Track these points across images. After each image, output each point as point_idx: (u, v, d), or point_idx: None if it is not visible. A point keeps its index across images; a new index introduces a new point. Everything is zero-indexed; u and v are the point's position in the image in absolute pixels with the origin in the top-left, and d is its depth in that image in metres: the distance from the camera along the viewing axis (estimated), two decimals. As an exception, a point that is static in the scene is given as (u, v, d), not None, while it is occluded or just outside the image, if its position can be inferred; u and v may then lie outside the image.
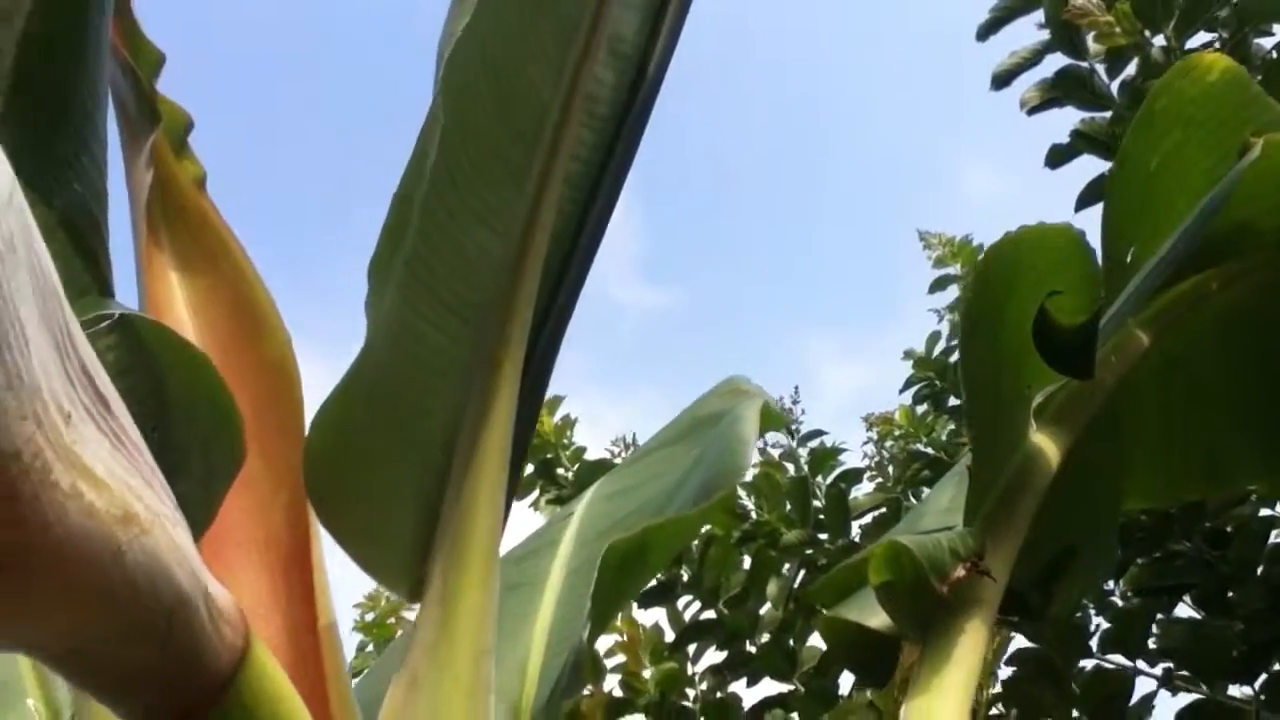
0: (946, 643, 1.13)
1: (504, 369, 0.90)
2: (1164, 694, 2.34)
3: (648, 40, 1.04)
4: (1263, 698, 2.24)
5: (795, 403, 2.98)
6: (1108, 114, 2.15)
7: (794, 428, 2.80)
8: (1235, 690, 2.34)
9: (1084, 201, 2.19)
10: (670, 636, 2.78)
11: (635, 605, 2.71)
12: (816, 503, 2.63)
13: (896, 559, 1.11)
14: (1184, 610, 2.47)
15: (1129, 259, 1.33)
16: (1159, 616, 2.43)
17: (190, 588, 0.62)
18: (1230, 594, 2.34)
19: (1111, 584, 2.51)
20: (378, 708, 0.91)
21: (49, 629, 0.57)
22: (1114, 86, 2.14)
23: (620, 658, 2.61)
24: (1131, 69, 2.12)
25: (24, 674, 1.44)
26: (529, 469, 2.89)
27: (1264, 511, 2.36)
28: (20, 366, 0.50)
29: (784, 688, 2.69)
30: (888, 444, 3.01)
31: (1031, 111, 2.16)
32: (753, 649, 2.75)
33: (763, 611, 2.75)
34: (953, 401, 2.97)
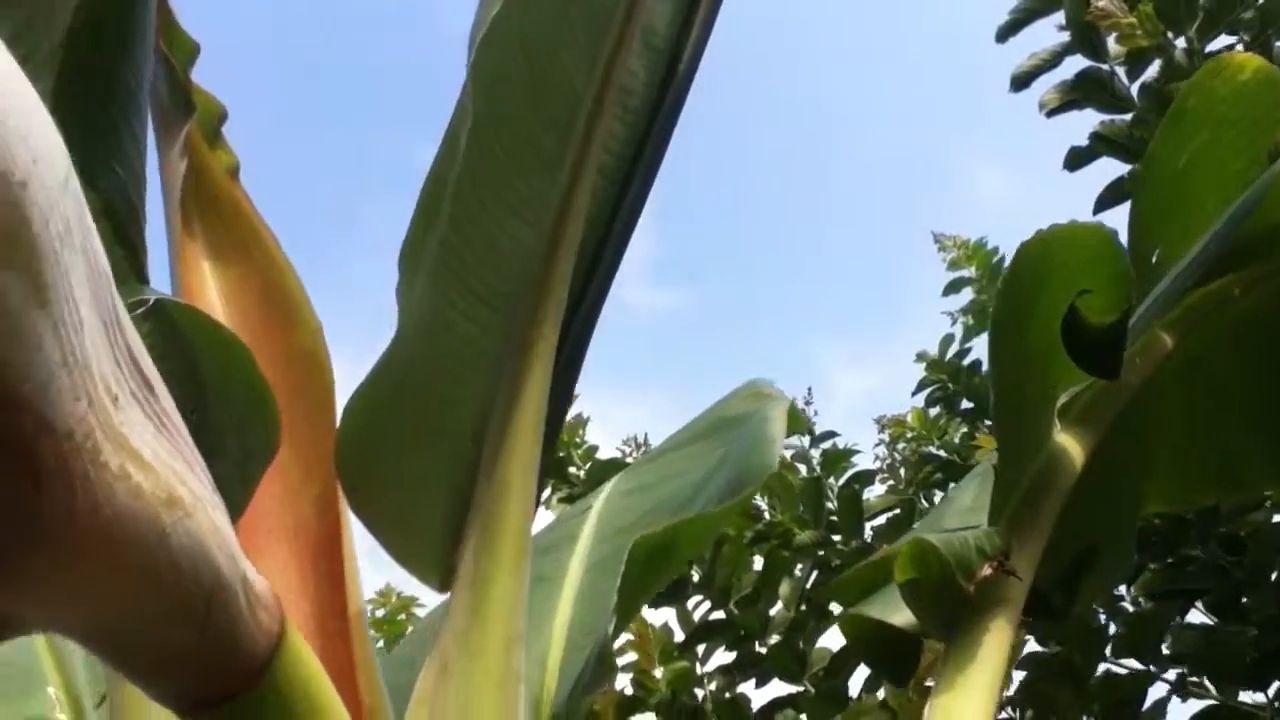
0: (971, 642, 1.12)
1: (535, 360, 0.90)
2: (1176, 699, 2.33)
3: (680, 33, 1.04)
4: (1276, 705, 2.23)
5: (808, 404, 2.98)
6: (1127, 116, 2.15)
7: (809, 429, 2.80)
8: (1247, 696, 2.34)
9: (1103, 204, 2.19)
10: (679, 636, 2.79)
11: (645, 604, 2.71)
12: (829, 504, 2.63)
13: (922, 557, 1.10)
14: (1196, 616, 2.47)
15: (1155, 259, 1.32)
16: (1172, 622, 2.43)
17: (230, 572, 0.62)
18: (1244, 600, 2.33)
19: (1123, 588, 2.50)
20: (400, 693, 0.91)
21: (92, 610, 0.57)
22: (1134, 89, 2.14)
23: (631, 656, 2.61)
24: (1151, 71, 2.12)
25: (44, 661, 1.44)
26: (540, 467, 2.89)
27: (1278, 517, 2.35)
28: (75, 346, 0.50)
29: (794, 688, 2.69)
30: (899, 446, 3.01)
31: (1051, 113, 2.16)
32: (762, 650, 2.75)
33: (773, 612, 2.75)
34: (965, 404, 2.97)
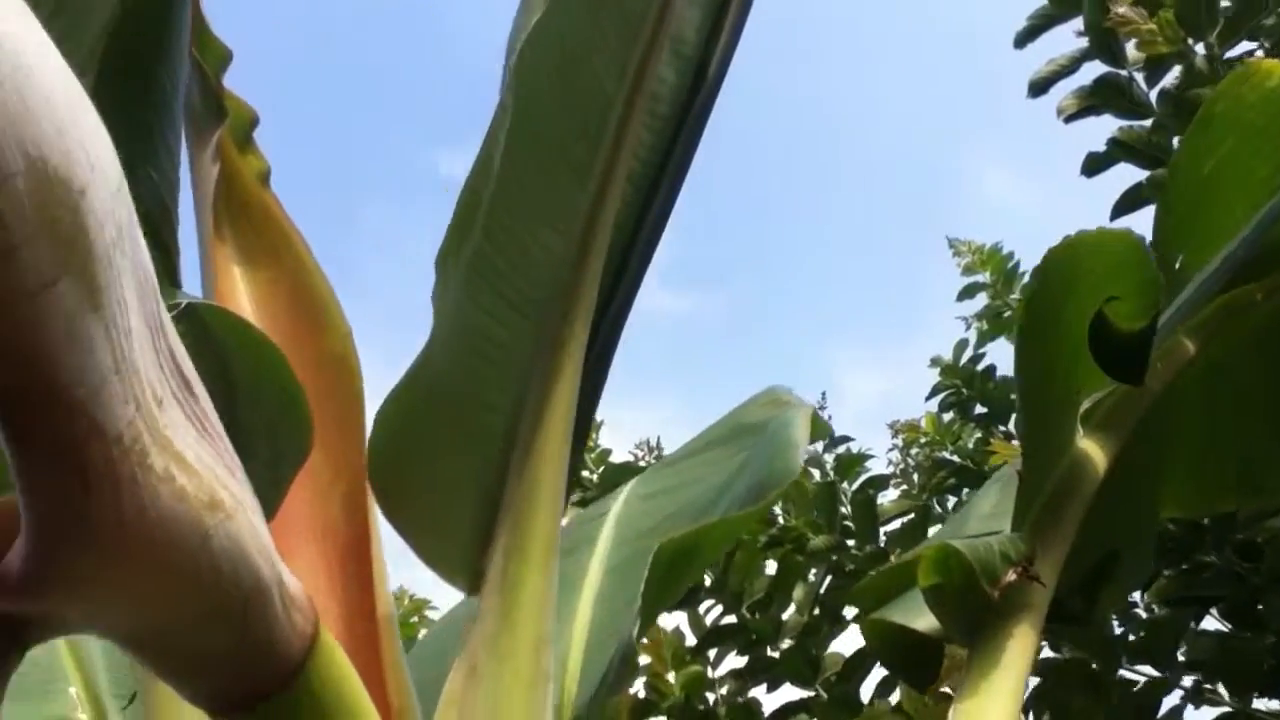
0: (995, 647, 1.12)
1: (565, 365, 0.91)
2: (1191, 706, 2.33)
3: (708, 40, 1.04)
4: (1293, 712, 2.22)
5: (822, 409, 2.98)
6: (1146, 122, 2.15)
7: (829, 435, 2.79)
8: (1263, 704, 2.33)
9: (1120, 209, 2.19)
10: (690, 640, 2.79)
11: (657, 608, 2.71)
12: (843, 509, 2.63)
13: (946, 562, 1.10)
14: (1211, 623, 2.46)
15: (1178, 265, 1.32)
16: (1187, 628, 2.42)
17: (267, 575, 0.62)
18: (1260, 606, 2.33)
19: (1136, 594, 2.50)
20: (425, 692, 0.92)
21: (133, 612, 0.58)
22: (1153, 95, 2.13)
23: (644, 659, 2.61)
24: (1170, 77, 2.11)
25: (65, 661, 1.45)
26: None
27: (1296, 524, 2.34)
28: (125, 350, 0.50)
29: (806, 693, 2.69)
30: (913, 451, 3.00)
31: (1069, 119, 2.16)
32: (774, 654, 2.75)
33: (785, 616, 2.75)
34: (979, 410, 2.96)
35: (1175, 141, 2.12)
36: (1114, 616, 2.42)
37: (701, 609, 2.79)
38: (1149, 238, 1.31)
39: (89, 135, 0.46)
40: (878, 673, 2.62)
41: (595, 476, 2.98)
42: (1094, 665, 2.07)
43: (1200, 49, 1.96)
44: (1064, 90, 2.26)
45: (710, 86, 1.03)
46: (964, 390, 2.91)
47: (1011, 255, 2.86)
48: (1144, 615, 2.58)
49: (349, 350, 0.98)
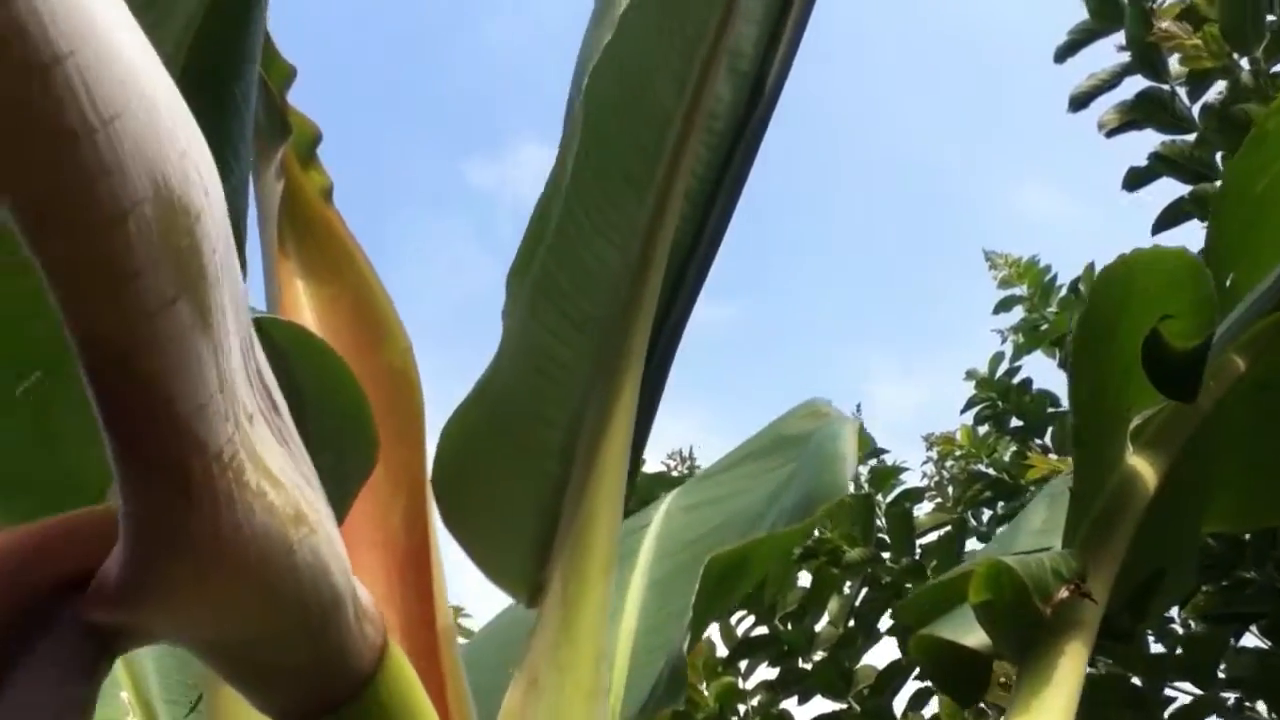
0: (1046, 665, 1.12)
1: (624, 380, 0.92)
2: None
3: (764, 57, 1.05)
4: (1335, 731, 2.20)
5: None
6: (1188, 137, 2.13)
7: (872, 449, 2.79)
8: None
9: (1161, 224, 2.17)
10: (720, 651, 2.78)
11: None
12: (877, 521, 2.63)
13: (998, 578, 1.10)
14: (1250, 640, 2.43)
15: (1229, 283, 1.32)
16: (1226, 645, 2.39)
17: (343, 587, 0.63)
18: (1302, 624, 2.30)
19: (1173, 610, 2.47)
20: (478, 701, 0.93)
21: (217, 624, 0.59)
22: (1195, 110, 2.12)
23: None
24: (1213, 93, 2.10)
25: (117, 668, 1.47)
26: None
27: (1339, 541, 2.31)
28: (227, 369, 0.52)
29: (838, 706, 2.68)
30: (948, 464, 2.99)
31: (1110, 133, 2.15)
32: (806, 666, 2.74)
33: (818, 628, 2.75)
34: (1015, 423, 2.95)
35: (1218, 157, 2.11)
36: (1149, 632, 2.40)
37: (733, 620, 2.79)
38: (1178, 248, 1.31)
39: (200, 157, 0.47)
40: (911, 686, 2.61)
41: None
42: (1135, 681, 2.06)
43: (1245, 64, 1.95)
44: (1104, 105, 2.25)
45: (766, 102, 1.04)
46: (1000, 403, 2.90)
47: (1049, 269, 2.85)
48: (1180, 631, 2.56)
49: (409, 364, 0.99)
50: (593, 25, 0.93)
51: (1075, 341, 1.15)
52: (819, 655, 2.73)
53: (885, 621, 2.62)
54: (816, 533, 2.55)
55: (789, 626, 2.73)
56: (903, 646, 2.44)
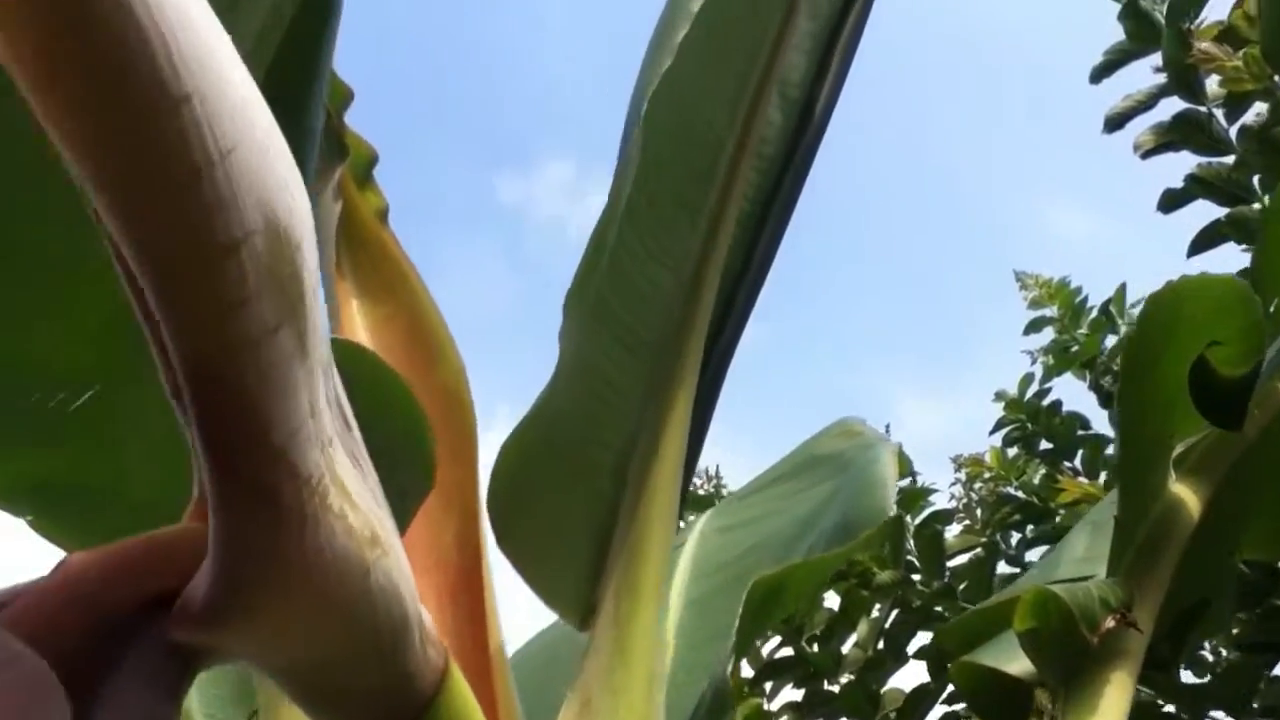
0: (1091, 694, 1.11)
1: (676, 402, 0.92)
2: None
3: (814, 82, 1.06)
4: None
5: (884, 441, 2.95)
6: (1225, 159, 2.13)
7: (910, 472, 2.78)
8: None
9: (1197, 247, 2.16)
10: (746, 672, 2.77)
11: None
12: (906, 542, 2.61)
13: (1045, 606, 1.10)
14: None
15: (1273, 308, 1.31)
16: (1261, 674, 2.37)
17: (411, 610, 0.64)
18: (1339, 654, 2.27)
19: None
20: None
21: (291, 645, 0.59)
22: (1232, 131, 2.11)
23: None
24: (1251, 114, 2.09)
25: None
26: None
27: (1377, 570, 2.29)
28: (318, 393, 0.53)
29: (864, 728, 2.66)
30: (976, 486, 2.97)
31: (1146, 155, 2.15)
32: (833, 688, 2.73)
33: (845, 650, 2.73)
34: (1044, 445, 2.93)
35: (1255, 180, 2.10)
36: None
37: (759, 640, 2.77)
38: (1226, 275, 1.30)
39: (298, 187, 0.48)
40: (938, 710, 2.59)
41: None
42: (1167, 709, 2.03)
43: (1285, 87, 1.94)
44: (1140, 126, 2.25)
45: (816, 127, 1.05)
46: (1029, 425, 2.88)
47: (1080, 290, 2.83)
48: (1210, 659, 2.53)
49: (462, 384, 1.00)
50: (652, 51, 0.94)
51: (1122, 368, 1.14)
52: (846, 678, 2.71)
53: (914, 644, 2.60)
54: (846, 554, 2.54)
55: (815, 648, 2.71)
56: (932, 670, 2.42)
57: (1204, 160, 2.12)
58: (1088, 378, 2.87)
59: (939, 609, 2.39)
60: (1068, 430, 2.84)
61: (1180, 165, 2.28)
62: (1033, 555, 2.78)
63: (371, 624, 0.60)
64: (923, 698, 2.59)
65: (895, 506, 2.77)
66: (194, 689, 1.56)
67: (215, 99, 0.40)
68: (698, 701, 1.18)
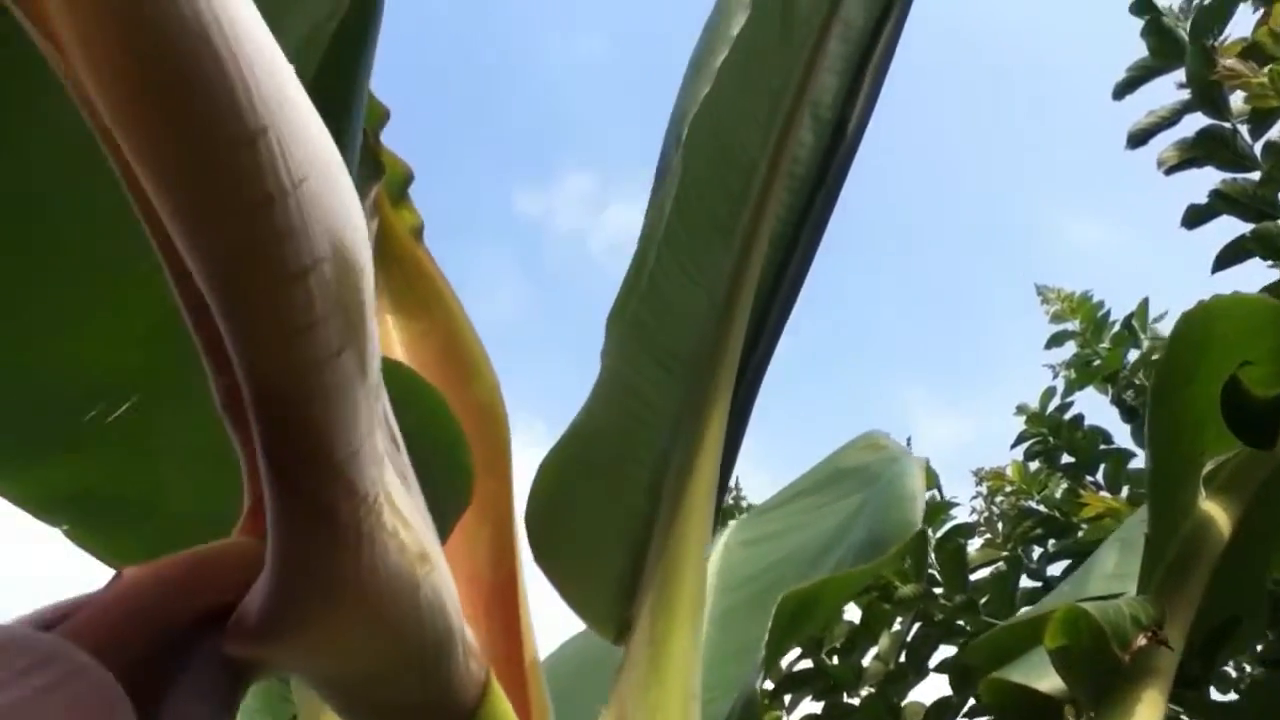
0: (1123, 712, 1.11)
1: (710, 419, 0.93)
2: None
3: (845, 103, 1.06)
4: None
5: (905, 454, 2.95)
6: (1249, 175, 2.12)
7: (937, 485, 2.77)
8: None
9: (1222, 263, 2.16)
10: (765, 684, 2.76)
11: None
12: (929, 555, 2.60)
13: (1076, 624, 1.10)
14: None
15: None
16: None
17: (456, 623, 0.64)
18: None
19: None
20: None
21: (339, 658, 0.60)
22: (1257, 148, 2.11)
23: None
24: (1275, 131, 2.09)
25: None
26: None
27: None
28: (376, 413, 0.54)
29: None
30: (998, 499, 2.96)
31: (1170, 171, 2.14)
32: (853, 701, 2.72)
33: (865, 663, 2.72)
34: (1066, 459, 2.92)
35: (1281, 195, 2.09)
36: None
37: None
38: (1252, 290, 1.30)
39: (358, 213, 0.49)
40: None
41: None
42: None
43: (1311, 104, 1.94)
44: (1164, 142, 2.25)
45: (847, 147, 1.06)
46: (1051, 439, 2.87)
47: (1102, 304, 2.83)
48: (1233, 674, 2.51)
49: (496, 400, 1.01)
50: (691, 75, 0.95)
51: (1152, 386, 1.15)
52: (866, 691, 2.70)
53: (935, 658, 2.59)
54: (867, 567, 2.53)
55: (835, 661, 2.70)
56: (954, 684, 2.41)
57: (1228, 176, 2.12)
58: (1110, 392, 2.86)
59: (961, 623, 2.38)
60: (1090, 445, 2.83)
61: (1202, 179, 2.28)
62: (1055, 569, 2.77)
63: (419, 638, 0.61)
64: (944, 711, 2.57)
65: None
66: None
67: (289, 132, 0.41)
68: (726, 717, 1.18)
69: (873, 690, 2.69)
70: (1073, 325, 2.86)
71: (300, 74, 0.43)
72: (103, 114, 0.38)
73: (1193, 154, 2.12)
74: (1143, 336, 2.81)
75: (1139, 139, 2.21)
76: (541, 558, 0.92)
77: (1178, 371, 1.13)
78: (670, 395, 0.91)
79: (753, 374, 1.01)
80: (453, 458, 0.86)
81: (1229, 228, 2.23)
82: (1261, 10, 2.04)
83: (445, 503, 0.88)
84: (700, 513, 0.89)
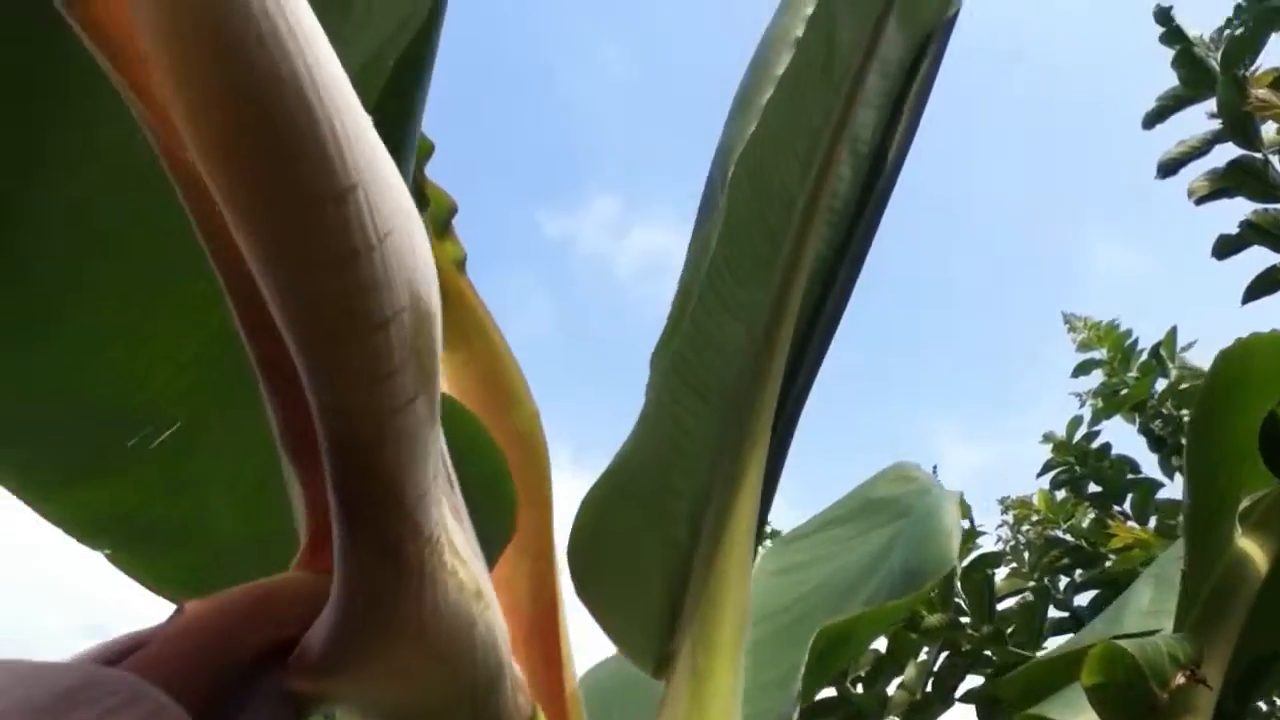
0: (1160, 750, 1.10)
1: (750, 453, 0.94)
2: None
3: (884, 137, 1.07)
4: None
5: (929, 481, 2.94)
6: (1281, 206, 2.12)
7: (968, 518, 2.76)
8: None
9: (1253, 293, 2.15)
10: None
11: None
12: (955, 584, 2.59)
13: (1113, 661, 1.09)
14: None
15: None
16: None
17: (506, 658, 0.65)
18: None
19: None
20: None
21: (395, 693, 0.61)
22: (1289, 179, 2.11)
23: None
24: (1307, 162, 2.09)
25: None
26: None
27: None
28: (441, 455, 0.55)
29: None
30: (1024, 528, 2.95)
31: (1200, 201, 2.14)
32: (877, 730, 2.70)
33: (890, 691, 2.71)
34: (1093, 488, 2.91)
35: (1313, 227, 2.09)
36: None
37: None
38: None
39: (430, 261, 0.50)
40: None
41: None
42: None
43: (1343, 136, 1.94)
44: (1193, 171, 2.25)
45: (885, 181, 1.06)
46: (1077, 468, 2.86)
47: (1130, 333, 2.82)
48: (1264, 709, 2.49)
49: (536, 429, 1.01)
50: (736, 110, 0.96)
51: (1190, 422, 1.14)
52: (889, 720, 2.69)
53: (960, 687, 2.57)
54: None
55: (860, 689, 2.69)
56: (981, 714, 2.40)
57: (1260, 206, 2.11)
58: (1137, 421, 2.85)
59: (988, 653, 2.37)
60: (1117, 474, 2.81)
61: (1232, 209, 2.27)
62: (1081, 599, 2.75)
63: (472, 673, 0.62)
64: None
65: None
66: None
67: (376, 188, 0.42)
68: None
69: (897, 719, 2.67)
70: (1100, 354, 2.85)
71: (364, 101, 0.44)
72: (201, 172, 0.40)
73: (1223, 184, 2.12)
74: (1171, 365, 2.80)
75: (1170, 168, 2.21)
76: (583, 590, 0.92)
77: (1216, 407, 1.13)
78: (711, 429, 0.92)
79: (792, 407, 1.02)
80: (496, 489, 0.87)
81: (1259, 258, 2.22)
82: (1293, 42, 2.04)
83: (489, 534, 0.89)
84: (741, 550, 0.89)
